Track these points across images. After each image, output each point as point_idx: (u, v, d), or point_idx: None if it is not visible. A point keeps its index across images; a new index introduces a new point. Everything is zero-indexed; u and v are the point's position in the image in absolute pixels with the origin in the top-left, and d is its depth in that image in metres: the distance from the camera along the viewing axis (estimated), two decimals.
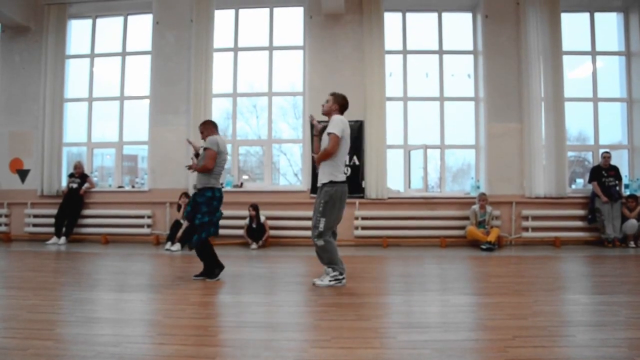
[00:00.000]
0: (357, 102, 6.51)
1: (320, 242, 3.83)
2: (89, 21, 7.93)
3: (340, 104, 4.01)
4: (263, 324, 2.83)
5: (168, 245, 6.44)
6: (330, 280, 3.84)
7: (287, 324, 2.87)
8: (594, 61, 7.46)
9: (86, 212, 7.36)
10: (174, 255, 6.00)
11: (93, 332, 2.61)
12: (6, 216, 7.60)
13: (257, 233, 6.69)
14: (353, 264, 4.89)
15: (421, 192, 7.23)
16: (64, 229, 7.06)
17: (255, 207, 6.68)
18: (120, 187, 7.65)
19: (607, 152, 6.87)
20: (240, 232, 6.80)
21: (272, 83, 7.59)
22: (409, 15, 7.57)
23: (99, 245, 6.90)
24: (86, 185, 7.33)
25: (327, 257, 3.87)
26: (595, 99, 7.38)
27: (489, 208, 6.70)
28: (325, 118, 4.05)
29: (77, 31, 8.00)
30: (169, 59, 7.47)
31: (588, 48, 7.45)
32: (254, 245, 6.60)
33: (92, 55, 7.91)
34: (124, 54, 7.82)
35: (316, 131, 4.17)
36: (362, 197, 7.07)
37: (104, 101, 7.91)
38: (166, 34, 7.50)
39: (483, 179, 7.19)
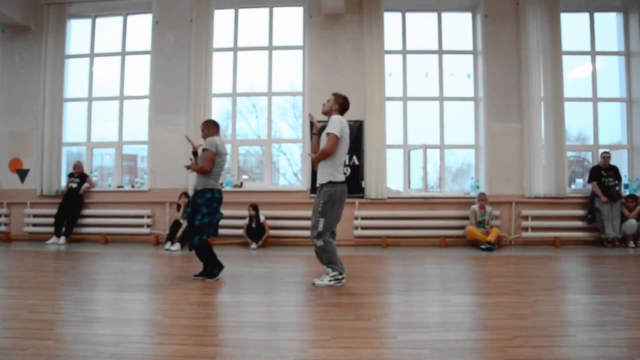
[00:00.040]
0: (357, 102, 6.50)
1: (320, 243, 3.82)
2: (89, 21, 7.93)
3: (341, 104, 4.01)
4: (263, 324, 2.83)
5: (168, 245, 6.44)
6: (329, 280, 3.85)
7: (287, 323, 2.87)
8: (593, 61, 7.46)
9: (86, 211, 7.37)
10: (174, 255, 6.00)
11: (93, 331, 2.61)
12: (6, 216, 7.60)
13: (256, 233, 6.69)
14: (353, 263, 4.90)
15: (421, 192, 7.23)
16: (63, 229, 7.06)
17: (255, 207, 6.69)
18: (120, 187, 7.65)
19: (606, 152, 6.88)
20: (240, 232, 6.80)
21: (271, 83, 7.59)
22: (408, 15, 7.57)
23: (98, 245, 6.90)
24: (86, 185, 7.33)
25: (327, 257, 3.87)
26: (595, 99, 7.39)
27: (488, 208, 6.70)
28: (325, 118, 4.05)
29: (77, 31, 7.99)
30: (169, 58, 7.47)
31: (588, 48, 7.45)
32: (253, 245, 6.60)
33: (92, 55, 7.91)
34: (123, 53, 7.81)
35: (315, 129, 4.16)
36: (362, 197, 7.07)
37: (104, 101, 7.91)
38: (166, 34, 7.49)
39: (483, 179, 7.20)
